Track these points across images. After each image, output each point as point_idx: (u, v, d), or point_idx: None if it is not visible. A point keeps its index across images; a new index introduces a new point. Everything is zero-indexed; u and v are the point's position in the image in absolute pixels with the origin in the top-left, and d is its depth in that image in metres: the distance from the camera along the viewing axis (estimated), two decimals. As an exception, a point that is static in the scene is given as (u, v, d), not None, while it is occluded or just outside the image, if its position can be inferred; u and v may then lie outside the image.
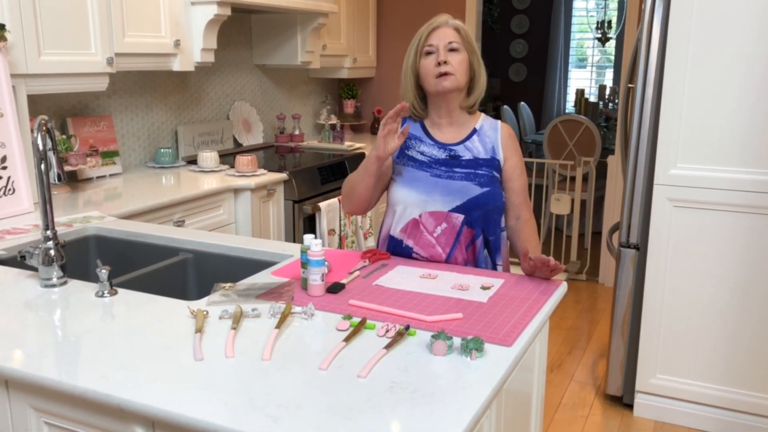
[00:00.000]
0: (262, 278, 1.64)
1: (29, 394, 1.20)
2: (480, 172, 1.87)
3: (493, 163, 1.90)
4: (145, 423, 1.09)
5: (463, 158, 1.89)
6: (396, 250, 1.92)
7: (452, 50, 1.84)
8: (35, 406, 1.20)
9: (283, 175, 3.19)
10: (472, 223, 1.86)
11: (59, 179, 1.64)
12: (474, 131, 1.93)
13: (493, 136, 1.92)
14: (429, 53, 1.85)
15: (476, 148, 1.90)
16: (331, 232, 3.37)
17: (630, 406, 2.90)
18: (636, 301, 2.83)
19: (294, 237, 3.27)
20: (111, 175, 3.04)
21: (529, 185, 5.58)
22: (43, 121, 1.59)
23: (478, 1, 4.62)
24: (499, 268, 1.95)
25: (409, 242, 1.89)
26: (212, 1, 3.06)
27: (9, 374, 1.18)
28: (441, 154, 1.90)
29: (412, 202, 1.88)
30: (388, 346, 1.25)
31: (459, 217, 1.86)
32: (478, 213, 1.86)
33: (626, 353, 2.88)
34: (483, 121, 1.95)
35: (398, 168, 1.93)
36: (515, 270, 1.89)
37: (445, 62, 1.81)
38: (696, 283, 2.66)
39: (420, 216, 1.87)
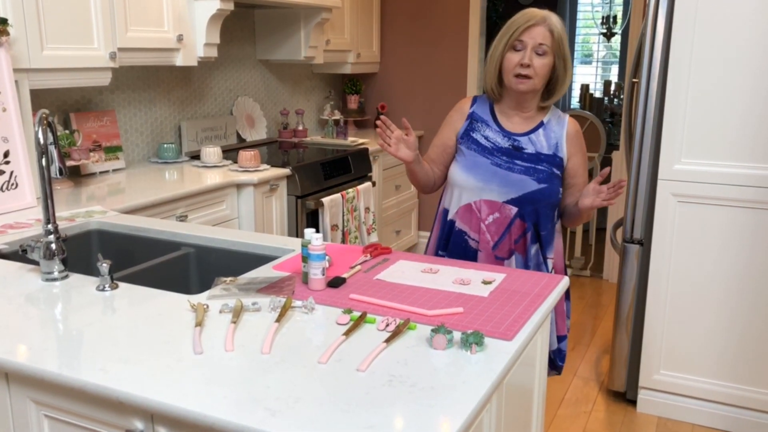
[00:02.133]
0: (263, 272, 1.64)
1: (29, 387, 1.20)
2: (540, 167, 1.90)
3: (554, 160, 1.91)
4: (144, 416, 1.09)
5: (526, 151, 1.91)
6: (449, 231, 1.98)
7: (540, 53, 1.83)
8: (35, 399, 1.21)
9: (286, 171, 3.18)
10: (525, 216, 1.90)
11: (60, 173, 1.65)
12: (541, 124, 1.94)
13: (558, 132, 1.94)
14: (517, 49, 1.85)
15: (540, 143, 1.92)
16: (335, 227, 3.37)
17: (633, 402, 2.89)
18: (640, 297, 2.82)
19: (297, 232, 3.27)
20: (114, 171, 3.04)
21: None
22: (44, 115, 1.59)
23: (483, -4, 4.60)
24: (550, 262, 1.97)
25: (464, 227, 1.95)
26: (215, -5, 3.06)
27: (9, 367, 1.19)
28: (505, 143, 1.92)
29: (470, 188, 1.93)
30: (388, 340, 1.24)
31: (512, 209, 1.90)
32: (531, 207, 1.90)
33: (630, 349, 2.87)
34: (551, 114, 1.97)
35: (461, 149, 1.97)
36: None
37: (528, 66, 1.82)
38: (700, 279, 2.65)
39: (475, 202, 1.92)
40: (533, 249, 1.93)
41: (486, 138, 1.94)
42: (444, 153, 2.01)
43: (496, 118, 1.96)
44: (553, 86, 1.91)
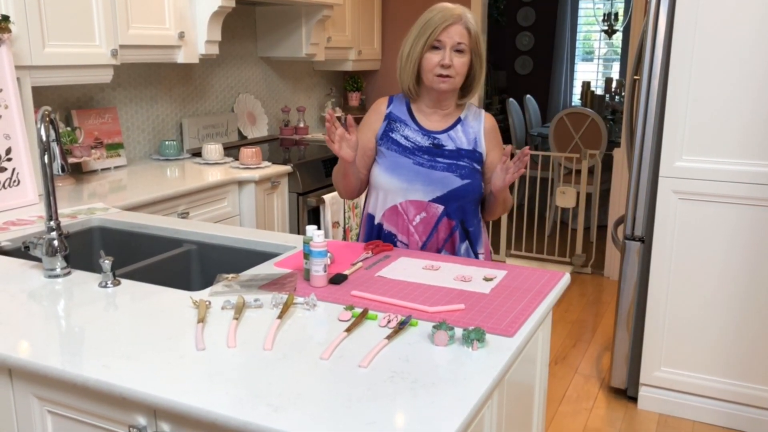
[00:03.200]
0: (265, 269, 1.65)
1: (32, 383, 1.21)
2: (461, 163, 1.90)
3: (474, 155, 1.92)
4: (147, 412, 1.10)
5: (446, 148, 1.90)
6: (377, 235, 1.96)
7: (458, 51, 1.82)
8: (38, 395, 1.21)
9: (288, 168, 3.19)
10: (451, 214, 1.90)
11: (63, 170, 1.65)
12: (458, 120, 1.94)
13: (476, 127, 1.94)
14: (436, 48, 1.83)
15: (459, 139, 1.92)
16: (336, 224, 3.37)
17: (634, 399, 2.90)
18: (641, 294, 2.82)
19: (298, 229, 3.27)
20: (116, 168, 3.05)
21: (535, 178, 5.57)
22: (46, 112, 1.59)
23: (484, -7, 4.60)
24: (481, 256, 1.98)
25: (391, 229, 1.93)
26: (216, -8, 3.06)
27: (13, 363, 1.19)
28: (425, 142, 1.91)
29: (394, 189, 1.91)
30: (390, 337, 1.25)
31: (438, 208, 1.90)
32: (457, 204, 1.90)
33: (631, 346, 2.87)
34: (467, 110, 1.97)
35: (381, 150, 1.94)
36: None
37: (449, 66, 1.81)
38: (701, 276, 2.65)
39: (401, 204, 1.91)
40: (463, 247, 1.94)
41: (406, 138, 1.91)
42: (364, 156, 1.96)
43: (414, 117, 1.94)
44: (470, 84, 1.90)
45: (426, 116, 1.94)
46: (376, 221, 1.96)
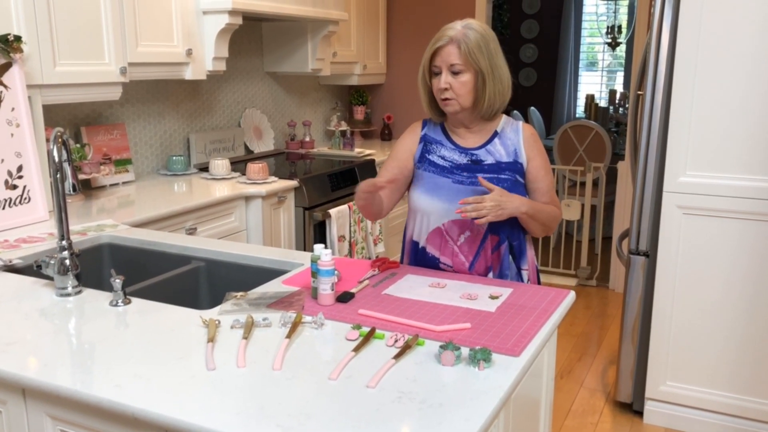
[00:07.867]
0: (273, 287, 1.67)
1: (45, 402, 1.23)
2: (503, 176, 1.84)
3: (515, 167, 1.86)
4: (159, 432, 1.11)
5: (486, 162, 1.85)
6: (421, 259, 1.91)
7: (455, 72, 1.77)
8: (51, 414, 1.23)
9: (294, 182, 3.21)
10: (497, 229, 1.85)
11: (74, 189, 1.68)
12: (495, 134, 1.89)
13: (515, 139, 1.88)
14: (436, 74, 1.81)
15: (498, 152, 1.87)
16: (341, 238, 3.39)
17: (640, 413, 2.90)
18: (646, 308, 2.82)
19: (304, 244, 3.29)
20: (124, 183, 3.08)
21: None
22: (58, 133, 1.62)
23: (488, 7, 4.63)
24: (525, 273, 1.92)
25: (435, 252, 1.89)
26: (224, 10, 3.09)
27: (26, 383, 1.21)
28: (462, 159, 1.87)
29: (435, 211, 1.86)
30: (397, 356, 1.26)
31: (483, 225, 1.83)
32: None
33: (636, 360, 2.88)
34: (504, 123, 1.90)
35: (419, 173, 1.91)
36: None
37: (446, 89, 1.78)
38: (706, 291, 2.65)
39: (443, 225, 1.86)
40: (507, 260, 1.88)
41: (442, 158, 1.88)
42: (401, 174, 1.92)
43: (449, 137, 1.91)
44: (478, 101, 1.81)
45: (460, 135, 1.90)
46: (421, 245, 1.91)
